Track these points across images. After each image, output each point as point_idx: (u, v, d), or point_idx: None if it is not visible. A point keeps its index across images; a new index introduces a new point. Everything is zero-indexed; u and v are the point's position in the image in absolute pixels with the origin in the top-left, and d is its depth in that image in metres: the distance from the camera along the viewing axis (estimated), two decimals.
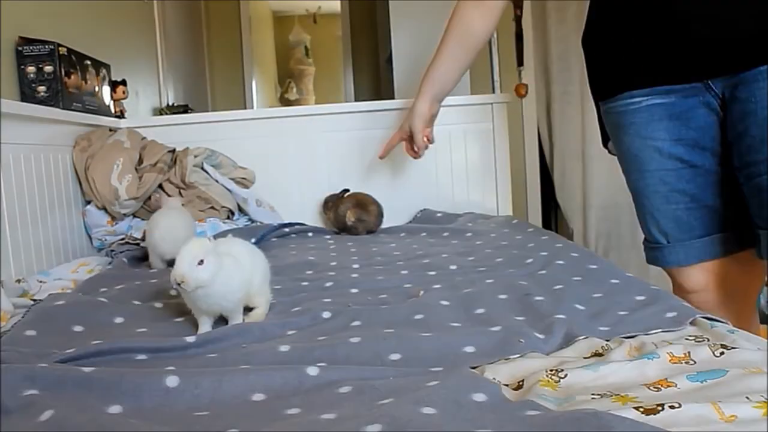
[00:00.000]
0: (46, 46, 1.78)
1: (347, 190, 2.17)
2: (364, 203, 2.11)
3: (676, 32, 1.16)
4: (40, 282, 1.45)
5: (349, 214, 2.08)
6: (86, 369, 0.77)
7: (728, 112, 1.18)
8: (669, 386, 0.69)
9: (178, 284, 0.95)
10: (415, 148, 1.83)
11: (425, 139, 1.80)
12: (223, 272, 0.98)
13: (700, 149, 1.22)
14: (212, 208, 2.02)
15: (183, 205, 1.89)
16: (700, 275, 1.30)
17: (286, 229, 2.03)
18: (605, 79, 1.32)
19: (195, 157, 2.07)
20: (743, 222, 1.22)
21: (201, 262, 0.95)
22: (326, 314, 1.06)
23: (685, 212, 1.26)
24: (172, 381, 0.74)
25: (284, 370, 0.78)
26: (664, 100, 1.22)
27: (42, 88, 1.78)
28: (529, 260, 1.42)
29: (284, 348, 0.88)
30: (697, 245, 1.27)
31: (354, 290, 1.27)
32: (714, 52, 1.14)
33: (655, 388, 0.69)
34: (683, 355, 0.77)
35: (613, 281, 1.19)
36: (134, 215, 1.97)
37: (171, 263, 1.54)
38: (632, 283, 1.16)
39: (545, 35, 3.54)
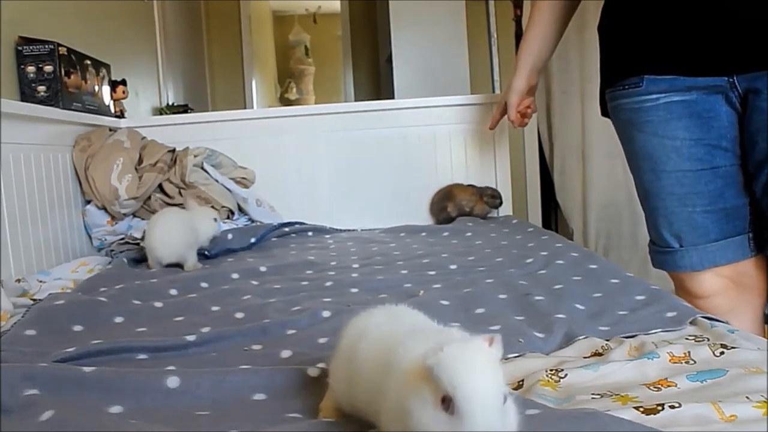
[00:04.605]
0: (46, 46, 1.78)
1: (491, 188, 2.25)
2: (450, 194, 2.21)
3: (718, 15, 1.08)
4: (40, 282, 1.45)
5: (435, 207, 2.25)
6: (86, 369, 0.77)
7: (746, 119, 1.13)
8: (669, 386, 0.69)
9: None
10: (511, 119, 1.79)
11: (528, 108, 1.76)
12: None
13: (721, 150, 1.17)
14: (212, 207, 2.02)
15: (217, 211, 1.87)
16: (713, 281, 1.24)
17: (286, 229, 2.03)
18: (622, 60, 1.24)
19: (195, 156, 2.07)
20: (760, 224, 1.19)
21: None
22: (326, 313, 1.06)
23: (702, 215, 1.20)
24: (172, 381, 0.74)
25: (285, 370, 0.78)
26: (685, 98, 1.16)
27: (42, 88, 1.78)
28: (529, 260, 1.42)
29: (285, 354, 0.88)
30: (711, 249, 1.22)
31: (354, 290, 1.27)
32: (754, 41, 1.07)
33: (655, 387, 0.69)
34: (683, 355, 0.77)
35: (613, 281, 1.19)
36: (134, 215, 1.97)
37: (169, 266, 1.54)
38: (632, 282, 1.16)
39: None
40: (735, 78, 1.12)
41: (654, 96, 1.19)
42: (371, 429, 0.57)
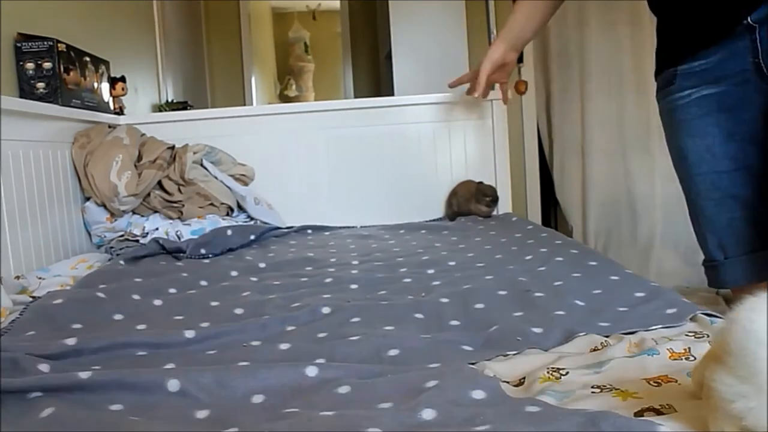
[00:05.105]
0: (45, 43, 1.77)
1: (487, 188, 2.26)
2: (456, 191, 2.26)
3: None
4: (39, 279, 1.45)
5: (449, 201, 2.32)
6: (84, 374, 0.76)
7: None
8: (669, 382, 0.69)
9: None
10: (477, 82, 1.80)
11: (499, 83, 1.80)
12: None
13: (754, 145, 1.10)
14: (212, 204, 2.02)
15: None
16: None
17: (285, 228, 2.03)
18: (657, 57, 1.22)
19: (194, 153, 2.07)
20: None
21: None
22: (326, 310, 1.06)
23: (741, 222, 1.11)
24: (172, 381, 0.74)
25: (284, 369, 0.78)
26: (714, 90, 1.12)
27: (41, 85, 1.78)
28: (529, 257, 1.42)
29: (284, 346, 0.88)
30: (755, 260, 1.12)
31: (353, 286, 1.27)
32: None
33: (655, 383, 0.69)
34: (683, 351, 0.77)
35: (613, 277, 1.19)
36: (133, 212, 1.96)
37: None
38: (632, 279, 1.16)
39: (545, 32, 3.54)
40: (749, 20, 1.04)
41: (686, 92, 1.16)
42: (371, 429, 0.57)
